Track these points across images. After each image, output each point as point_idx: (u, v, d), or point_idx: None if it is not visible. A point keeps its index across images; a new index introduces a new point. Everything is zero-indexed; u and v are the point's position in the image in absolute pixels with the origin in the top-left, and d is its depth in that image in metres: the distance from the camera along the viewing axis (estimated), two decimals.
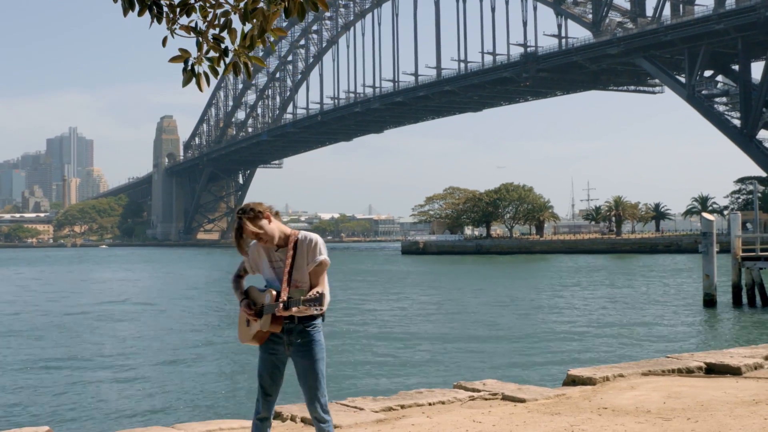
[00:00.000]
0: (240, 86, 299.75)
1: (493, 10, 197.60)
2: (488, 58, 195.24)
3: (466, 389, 10.88)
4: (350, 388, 23.62)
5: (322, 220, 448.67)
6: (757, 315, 43.11)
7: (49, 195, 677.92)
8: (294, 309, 7.32)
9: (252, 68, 5.19)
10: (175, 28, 4.92)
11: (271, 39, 5.06)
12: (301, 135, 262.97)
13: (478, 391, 10.71)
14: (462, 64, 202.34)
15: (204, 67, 5.01)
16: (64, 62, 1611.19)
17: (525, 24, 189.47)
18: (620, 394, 10.30)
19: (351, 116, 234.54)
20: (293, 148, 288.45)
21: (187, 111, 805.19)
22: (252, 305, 7.56)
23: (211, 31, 4.93)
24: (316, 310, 7.36)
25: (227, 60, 4.99)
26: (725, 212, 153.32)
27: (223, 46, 4.96)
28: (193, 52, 4.97)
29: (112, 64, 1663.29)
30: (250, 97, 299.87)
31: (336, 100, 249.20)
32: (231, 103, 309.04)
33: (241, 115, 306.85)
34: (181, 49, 4.96)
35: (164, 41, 5.11)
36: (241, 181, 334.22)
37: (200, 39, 4.93)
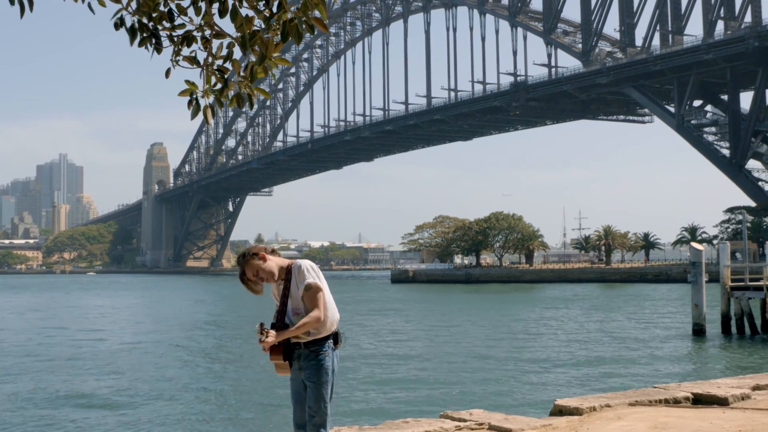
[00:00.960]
0: (230, 114, 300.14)
1: (483, 39, 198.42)
2: (478, 87, 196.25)
3: (453, 419, 10.82)
4: (334, 417, 23.57)
5: (312, 248, 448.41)
6: (745, 344, 43.10)
7: (38, 221, 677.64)
8: (271, 335, 7.59)
9: (256, 99, 5.22)
10: (179, 60, 4.94)
11: (272, 70, 5.08)
12: (291, 163, 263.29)
13: (465, 420, 10.66)
14: (452, 93, 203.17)
15: (210, 99, 5.04)
16: (53, 87, 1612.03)
17: (515, 53, 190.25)
18: (607, 424, 10.25)
19: (341, 144, 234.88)
20: (283, 175, 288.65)
21: (178, 138, 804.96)
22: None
23: (215, 62, 4.96)
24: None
25: (231, 92, 5.02)
26: (714, 242, 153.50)
27: (225, 77, 4.98)
28: (197, 83, 5.01)
29: (101, 89, 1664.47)
30: (241, 124, 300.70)
31: (326, 128, 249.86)
32: (221, 130, 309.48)
33: (231, 142, 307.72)
34: (187, 82, 5.00)
35: (167, 73, 5.12)
36: (231, 208, 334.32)
37: (204, 70, 4.95)
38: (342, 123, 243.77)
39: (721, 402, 11.44)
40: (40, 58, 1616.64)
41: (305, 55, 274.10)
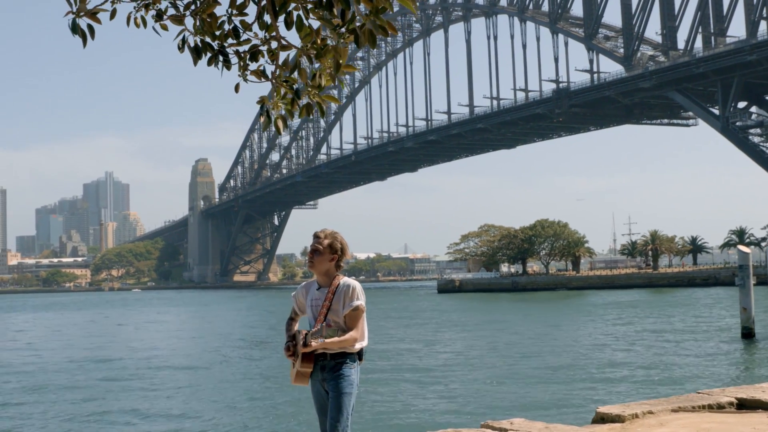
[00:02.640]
0: (273, 129, 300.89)
1: (524, 46, 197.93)
2: (520, 95, 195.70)
3: (494, 428, 10.75)
4: (378, 425, 23.54)
5: (358, 260, 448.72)
6: None
7: (86, 239, 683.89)
8: (313, 343, 7.71)
9: (326, 107, 5.31)
10: (247, 74, 5.03)
11: (342, 76, 5.15)
12: (335, 175, 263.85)
13: (506, 430, 10.59)
14: (494, 102, 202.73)
15: (281, 110, 5.16)
16: (97, 106, 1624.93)
17: (556, 60, 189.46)
18: (648, 431, 10.16)
19: (385, 156, 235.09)
20: (328, 188, 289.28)
21: (222, 153, 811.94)
22: (291, 347, 7.91)
23: (283, 74, 5.02)
24: (320, 341, 7.72)
25: (301, 102, 5.09)
26: (763, 244, 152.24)
27: (294, 87, 5.05)
28: (263, 95, 5.13)
29: (145, 107, 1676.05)
30: (284, 138, 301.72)
31: (369, 140, 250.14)
32: (265, 145, 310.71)
33: (275, 156, 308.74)
34: (262, 97, 5.11)
35: (237, 87, 5.23)
36: (276, 222, 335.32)
37: (274, 83, 5.02)
38: (385, 134, 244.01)
39: (766, 407, 11.30)
40: (83, 77, 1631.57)
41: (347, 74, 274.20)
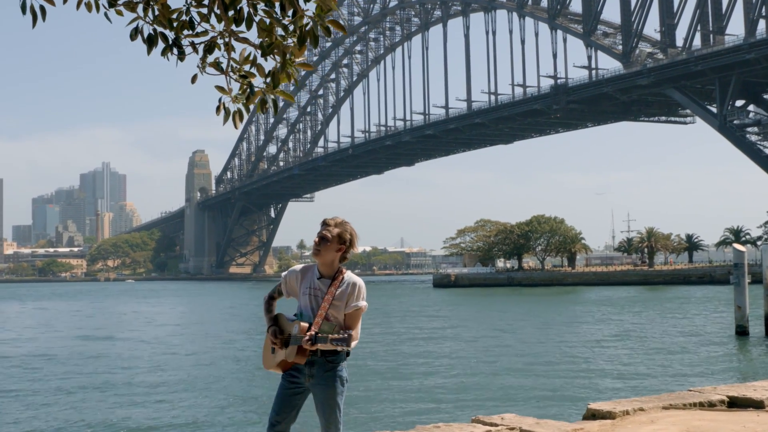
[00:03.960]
0: (271, 121, 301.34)
1: (522, 42, 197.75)
2: (518, 90, 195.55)
3: (484, 423, 10.75)
4: (368, 420, 23.54)
5: (355, 253, 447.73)
6: None
7: (82, 229, 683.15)
8: (320, 344, 7.48)
9: (281, 104, 5.26)
10: (205, 66, 4.98)
11: (296, 75, 5.11)
12: (332, 168, 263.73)
13: (496, 425, 10.59)
14: (492, 97, 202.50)
15: (238, 104, 5.10)
16: (94, 97, 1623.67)
17: (555, 56, 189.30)
18: (639, 428, 10.16)
19: (382, 149, 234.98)
20: (324, 181, 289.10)
21: (219, 145, 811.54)
22: (279, 333, 7.65)
23: (242, 68, 4.98)
24: (342, 348, 7.48)
25: (256, 98, 5.04)
26: (758, 243, 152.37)
27: (250, 82, 5.00)
28: (225, 88, 5.05)
29: (142, 98, 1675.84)
30: (282, 131, 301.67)
31: (367, 134, 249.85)
32: (262, 137, 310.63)
33: (272, 149, 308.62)
34: (218, 87, 5.03)
35: (194, 79, 5.18)
36: (273, 214, 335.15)
37: (229, 77, 4.97)
38: (382, 128, 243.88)
39: (757, 405, 11.30)
40: (81, 67, 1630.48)
41: (345, 61, 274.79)
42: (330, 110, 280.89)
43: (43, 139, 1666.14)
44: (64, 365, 41.06)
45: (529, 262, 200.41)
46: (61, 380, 35.41)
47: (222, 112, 5.08)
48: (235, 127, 5.23)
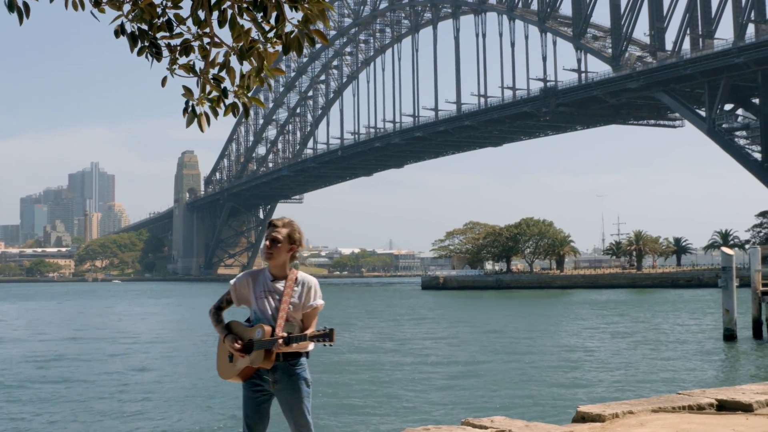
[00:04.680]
0: (261, 122, 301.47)
1: (512, 45, 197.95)
2: (508, 93, 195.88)
3: (474, 426, 10.74)
4: (357, 423, 23.54)
5: (343, 255, 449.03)
6: None
7: (70, 230, 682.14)
8: (294, 345, 7.36)
9: (251, 108, 5.23)
10: (175, 68, 4.95)
11: (270, 80, 5.08)
12: (321, 170, 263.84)
13: (486, 428, 10.58)
14: (482, 99, 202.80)
15: (205, 107, 5.04)
16: (84, 96, 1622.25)
17: (544, 59, 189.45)
18: (628, 431, 10.17)
19: (371, 151, 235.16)
20: (313, 183, 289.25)
21: (208, 146, 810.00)
22: (236, 340, 7.49)
23: (211, 71, 4.95)
24: (325, 344, 7.36)
25: (227, 101, 5.01)
26: (746, 246, 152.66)
27: (222, 86, 4.97)
28: (195, 92, 5.01)
29: (132, 98, 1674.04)
30: (271, 132, 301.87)
31: (356, 135, 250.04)
32: (252, 138, 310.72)
33: (261, 150, 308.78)
34: (185, 87, 4.99)
35: (164, 81, 5.16)
36: (261, 216, 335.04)
37: (200, 79, 4.95)
38: (372, 130, 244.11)
39: (746, 408, 11.31)
40: (70, 67, 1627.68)
41: (335, 62, 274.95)
42: (319, 111, 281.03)
43: (32, 138, 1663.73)
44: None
45: (518, 264, 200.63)
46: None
47: (187, 114, 5.05)
48: (201, 130, 5.18)
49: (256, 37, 4.85)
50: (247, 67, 4.97)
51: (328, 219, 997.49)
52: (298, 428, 7.55)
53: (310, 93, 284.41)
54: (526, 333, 56.47)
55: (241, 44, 4.85)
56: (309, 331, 7.41)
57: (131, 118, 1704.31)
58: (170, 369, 39.34)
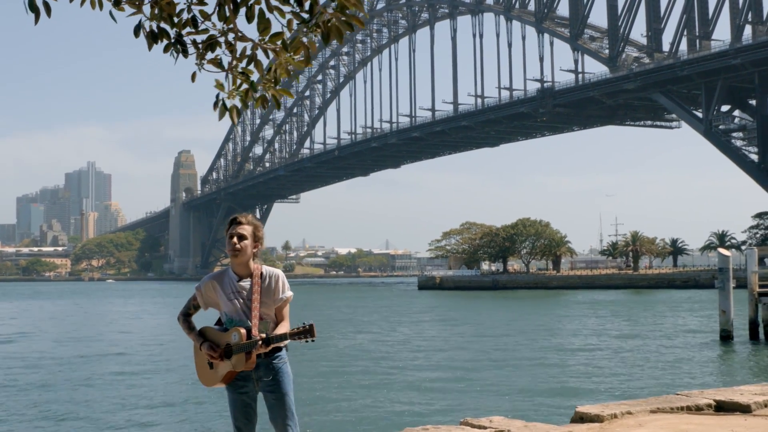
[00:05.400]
0: (257, 121, 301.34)
1: (509, 45, 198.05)
2: (505, 94, 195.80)
3: (473, 426, 10.76)
4: (356, 422, 23.55)
5: (339, 254, 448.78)
6: None
7: (67, 229, 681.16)
8: (273, 344, 7.32)
9: (282, 104, 5.34)
10: (203, 63, 4.99)
11: (297, 70, 5.16)
12: (318, 170, 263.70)
13: (485, 428, 10.60)
14: (479, 100, 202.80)
15: (235, 100, 5.10)
16: (80, 96, 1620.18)
17: (541, 59, 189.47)
18: (627, 431, 10.19)
19: (368, 151, 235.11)
20: (310, 182, 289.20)
21: (205, 146, 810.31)
22: (214, 347, 7.41)
23: (239, 65, 5.01)
24: (307, 341, 7.29)
25: (256, 93, 5.06)
26: (743, 247, 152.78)
27: (251, 79, 5.03)
28: (221, 86, 5.07)
29: (128, 98, 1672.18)
30: (268, 132, 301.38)
31: (353, 135, 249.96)
32: (248, 138, 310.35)
33: (258, 150, 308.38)
34: (217, 81, 5.06)
35: (193, 76, 5.21)
36: (258, 215, 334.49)
37: (229, 74, 5.00)
38: (369, 130, 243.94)
39: (744, 409, 11.34)
40: (67, 66, 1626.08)
41: (332, 63, 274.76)
42: (316, 112, 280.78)
43: (28, 137, 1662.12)
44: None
45: (514, 265, 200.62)
46: None
47: (218, 107, 5.11)
48: (233, 123, 5.28)
49: (281, 30, 4.89)
50: (273, 60, 5.03)
51: (325, 219, 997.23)
52: (284, 422, 7.44)
53: (307, 93, 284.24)
54: (523, 333, 56.51)
55: (274, 36, 4.90)
56: (288, 330, 7.33)
57: (128, 118, 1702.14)
58: (158, 373, 39.34)
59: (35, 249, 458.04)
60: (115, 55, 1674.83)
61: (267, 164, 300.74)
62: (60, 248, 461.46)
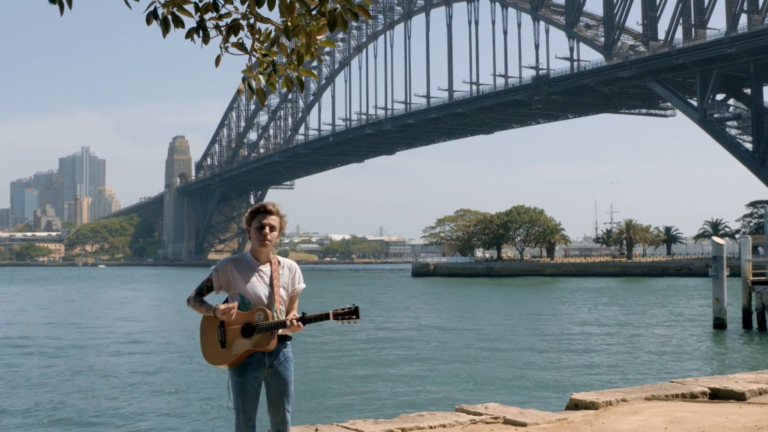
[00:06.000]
0: (252, 107, 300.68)
1: (505, 33, 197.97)
2: (500, 81, 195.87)
3: (468, 413, 10.81)
4: (352, 409, 23.57)
5: (333, 241, 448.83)
6: (766, 339, 42.90)
7: (61, 214, 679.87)
8: (308, 323, 7.44)
9: (304, 80, 5.38)
10: (227, 46, 5.01)
11: (321, 52, 5.17)
12: (312, 156, 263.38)
13: (480, 414, 10.64)
14: (474, 87, 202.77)
15: (261, 83, 5.18)
16: (75, 81, 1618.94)
17: (537, 47, 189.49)
18: (622, 419, 10.22)
19: (363, 138, 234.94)
20: (305, 169, 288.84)
21: (199, 131, 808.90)
22: (230, 308, 7.38)
23: (263, 47, 5.02)
24: (350, 322, 7.43)
25: (280, 76, 5.11)
26: (737, 236, 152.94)
27: (273, 61, 5.06)
28: (243, 69, 5.11)
29: (123, 83, 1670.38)
30: (263, 118, 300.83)
31: (348, 122, 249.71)
32: (243, 123, 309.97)
33: (253, 136, 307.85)
34: (247, 65, 5.11)
35: (217, 60, 5.23)
36: (252, 201, 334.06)
37: (252, 56, 5.00)
38: (363, 116, 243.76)
39: (738, 397, 11.39)
40: (62, 52, 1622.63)
41: (327, 49, 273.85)
42: (311, 98, 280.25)
43: (23, 122, 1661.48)
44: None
45: (508, 252, 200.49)
46: None
47: (245, 90, 5.13)
48: (261, 104, 5.35)
49: (299, 14, 4.92)
50: (297, 41, 5.06)
51: (319, 205, 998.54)
52: (285, 408, 7.50)
53: (303, 79, 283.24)
54: (517, 321, 56.57)
55: (286, 21, 4.91)
56: (313, 314, 7.42)
57: (123, 103, 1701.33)
58: (151, 360, 39.39)
59: (29, 234, 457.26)
60: (109, 41, 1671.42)
61: (262, 150, 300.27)
62: (54, 233, 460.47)
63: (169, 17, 4.89)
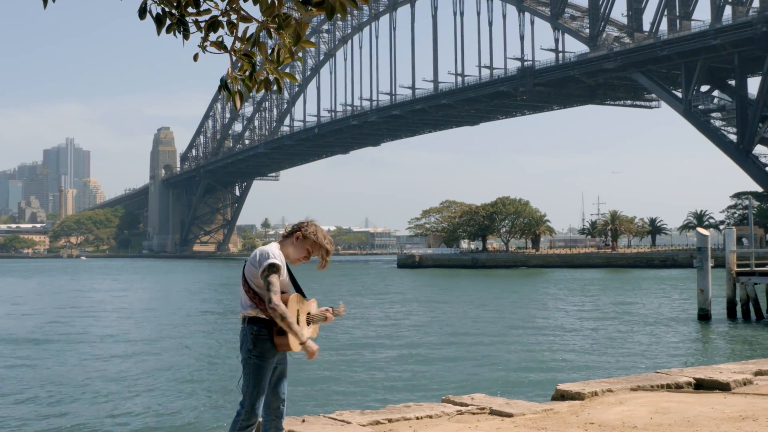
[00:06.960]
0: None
1: (490, 24, 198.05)
2: (485, 72, 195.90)
3: (454, 403, 10.83)
4: (337, 401, 23.59)
5: None
6: (750, 330, 43.07)
7: (45, 206, 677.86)
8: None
9: (283, 83, 5.29)
10: (206, 45, 4.96)
11: (299, 53, 5.14)
12: (297, 147, 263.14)
13: (466, 405, 10.67)
14: (459, 78, 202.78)
15: (239, 85, 5.08)
16: (59, 73, 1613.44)
17: (522, 38, 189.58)
18: (608, 409, 10.27)
19: (348, 129, 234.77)
20: (290, 160, 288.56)
21: (184, 123, 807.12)
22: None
23: (243, 47, 4.99)
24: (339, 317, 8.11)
25: (259, 77, 5.07)
26: (721, 227, 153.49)
27: (253, 61, 5.02)
28: (224, 67, 5.08)
29: (108, 75, 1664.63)
30: (248, 109, 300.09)
31: (333, 113, 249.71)
32: (228, 115, 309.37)
33: (238, 127, 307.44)
34: (229, 69, 5.03)
35: (195, 57, 5.16)
36: (237, 193, 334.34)
37: (232, 56, 4.98)
38: (349, 107, 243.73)
39: (723, 387, 11.45)
40: (46, 43, 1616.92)
41: (312, 40, 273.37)
42: (296, 89, 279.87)
43: (6, 113, 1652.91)
44: None
45: (494, 243, 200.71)
46: None
47: (224, 91, 5.10)
48: (236, 107, 5.24)
49: (287, 8, 4.89)
50: (277, 41, 5.02)
51: (304, 196, 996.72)
52: (283, 397, 7.73)
53: (288, 70, 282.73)
54: (504, 312, 56.65)
55: (275, 16, 4.87)
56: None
57: (107, 95, 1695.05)
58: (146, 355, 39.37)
59: (13, 226, 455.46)
60: (94, 33, 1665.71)
61: (246, 141, 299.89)
62: (38, 225, 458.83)
63: (164, 13, 4.87)
